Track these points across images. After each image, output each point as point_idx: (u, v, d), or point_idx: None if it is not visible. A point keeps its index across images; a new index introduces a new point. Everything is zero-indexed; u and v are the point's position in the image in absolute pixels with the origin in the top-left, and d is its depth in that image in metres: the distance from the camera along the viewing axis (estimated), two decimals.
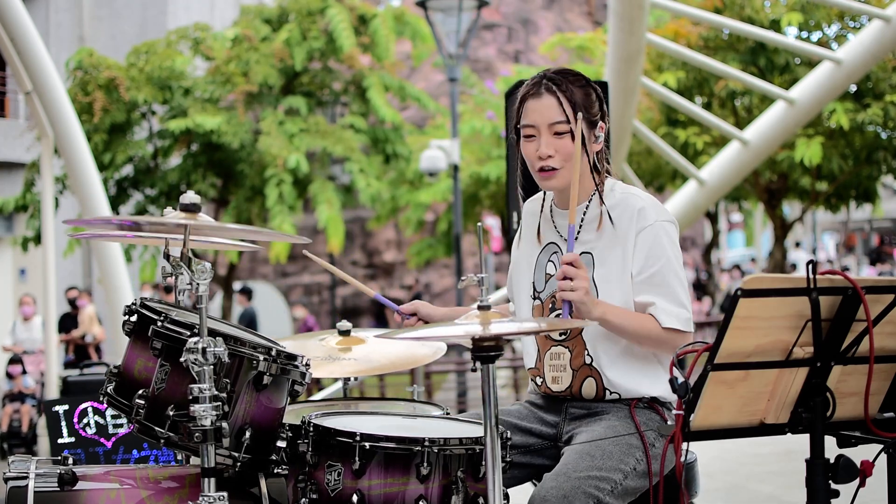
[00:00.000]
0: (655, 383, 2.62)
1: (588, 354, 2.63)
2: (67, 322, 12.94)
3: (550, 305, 2.68)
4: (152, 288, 14.41)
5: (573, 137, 2.57)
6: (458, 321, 2.39)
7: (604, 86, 3.76)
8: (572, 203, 2.54)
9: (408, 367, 3.22)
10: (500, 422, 2.62)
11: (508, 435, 2.49)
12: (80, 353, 12.72)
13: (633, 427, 2.55)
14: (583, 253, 2.63)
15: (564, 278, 2.45)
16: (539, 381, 2.73)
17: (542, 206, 2.78)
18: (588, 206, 2.66)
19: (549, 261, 2.71)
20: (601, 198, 2.63)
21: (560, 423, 2.69)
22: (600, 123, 2.65)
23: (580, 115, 2.56)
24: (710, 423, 2.12)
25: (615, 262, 2.60)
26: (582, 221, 2.66)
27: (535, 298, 2.73)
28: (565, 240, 2.67)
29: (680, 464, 2.37)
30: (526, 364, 2.78)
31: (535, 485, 2.69)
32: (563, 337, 2.66)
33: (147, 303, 2.47)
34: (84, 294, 13.81)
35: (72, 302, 13.22)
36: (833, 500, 2.18)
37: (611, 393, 2.62)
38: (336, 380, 7.02)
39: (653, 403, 2.62)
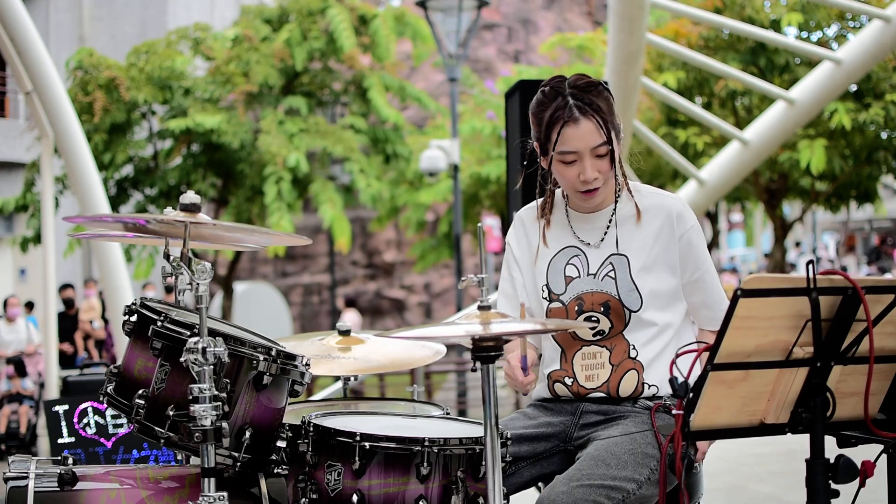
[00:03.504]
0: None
1: (633, 349, 2.61)
2: (64, 322, 12.61)
3: (576, 308, 2.64)
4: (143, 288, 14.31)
5: (612, 153, 2.59)
6: (457, 321, 2.39)
7: None
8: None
9: (407, 367, 3.22)
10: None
11: (508, 435, 2.48)
12: (97, 346, 12.57)
13: (651, 433, 2.53)
14: (613, 255, 2.63)
15: None
16: (569, 381, 2.66)
17: (549, 212, 2.74)
18: (615, 208, 2.65)
19: (568, 263, 2.67)
20: (635, 201, 2.64)
21: (570, 425, 2.65)
22: (621, 133, 2.65)
23: (613, 132, 2.57)
24: (710, 423, 2.12)
25: (655, 263, 2.61)
26: (608, 226, 2.65)
27: (550, 301, 2.68)
28: (587, 244, 2.66)
29: (679, 464, 2.37)
30: (546, 368, 2.71)
31: (539, 489, 2.68)
32: (599, 337, 2.63)
33: (147, 303, 2.47)
34: (90, 283, 13.67)
35: (67, 302, 13.05)
36: (833, 500, 2.18)
37: (649, 387, 2.61)
38: (336, 379, 7.01)
39: (671, 408, 2.60)
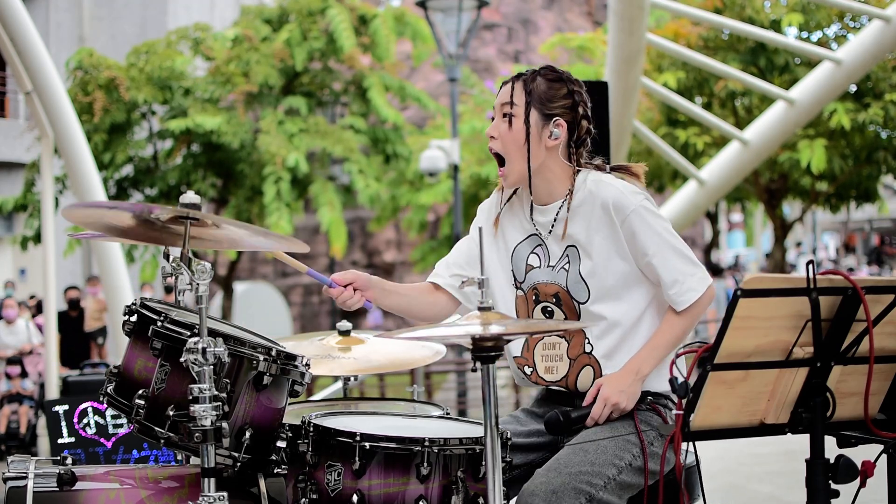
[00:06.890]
0: (653, 379, 2.61)
1: (588, 343, 2.63)
2: (65, 324, 12.47)
3: (534, 297, 2.68)
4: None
5: (523, 124, 2.59)
6: (458, 322, 2.39)
7: (604, 86, 3.74)
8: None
9: (407, 367, 3.21)
10: None
11: (508, 434, 2.48)
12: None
13: (633, 426, 2.55)
14: (570, 247, 2.63)
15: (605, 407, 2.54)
16: (528, 370, 2.70)
17: (509, 200, 2.75)
18: (563, 203, 2.64)
19: (532, 252, 2.69)
20: (569, 201, 2.62)
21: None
22: (558, 119, 2.62)
23: (538, 111, 2.59)
24: (710, 423, 2.12)
25: (599, 254, 2.60)
26: (555, 219, 2.65)
27: (517, 288, 2.72)
28: (545, 233, 2.67)
29: (679, 464, 2.37)
30: (510, 353, 2.73)
31: None
32: None
33: (147, 303, 2.47)
34: (94, 280, 13.64)
35: (73, 303, 12.98)
36: (833, 500, 2.18)
37: None
38: (336, 379, 7.01)
39: (654, 405, 2.61)
